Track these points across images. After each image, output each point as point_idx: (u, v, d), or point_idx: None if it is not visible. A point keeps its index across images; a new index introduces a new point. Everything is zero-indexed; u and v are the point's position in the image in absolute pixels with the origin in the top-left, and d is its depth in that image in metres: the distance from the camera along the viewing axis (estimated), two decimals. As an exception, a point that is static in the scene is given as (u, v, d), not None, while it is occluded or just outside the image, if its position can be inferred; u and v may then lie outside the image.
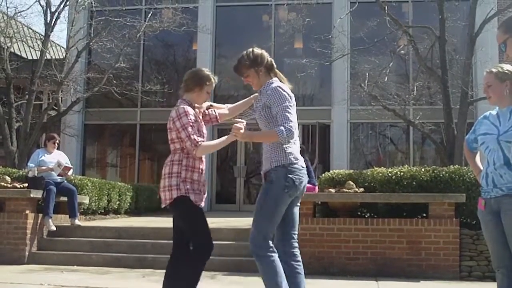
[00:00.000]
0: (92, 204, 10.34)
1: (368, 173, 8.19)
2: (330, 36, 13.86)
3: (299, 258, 3.92)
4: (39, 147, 12.74)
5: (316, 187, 8.81)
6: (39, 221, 8.48)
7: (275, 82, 3.96)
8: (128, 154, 17.94)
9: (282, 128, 3.72)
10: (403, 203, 7.52)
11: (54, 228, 8.54)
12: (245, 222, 9.20)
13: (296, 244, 3.95)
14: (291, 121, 3.76)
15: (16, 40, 15.42)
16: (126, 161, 18.07)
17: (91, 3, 15.28)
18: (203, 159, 4.22)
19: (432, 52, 13.01)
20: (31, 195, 8.31)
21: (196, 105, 4.23)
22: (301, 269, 3.91)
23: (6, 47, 14.22)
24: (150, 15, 15.94)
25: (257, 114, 3.97)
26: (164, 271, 4.23)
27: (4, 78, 14.14)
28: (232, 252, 7.66)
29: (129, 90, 15.67)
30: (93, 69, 16.42)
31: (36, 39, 17.21)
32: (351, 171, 9.07)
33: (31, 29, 18.26)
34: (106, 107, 16.91)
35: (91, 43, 15.33)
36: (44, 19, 14.59)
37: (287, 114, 3.77)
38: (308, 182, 4.28)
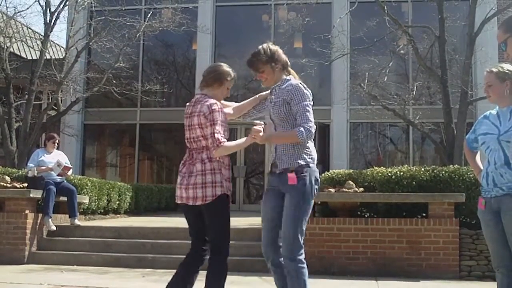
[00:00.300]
0: (92, 204, 10.33)
1: (368, 173, 8.19)
2: (329, 36, 13.86)
3: None
4: (39, 147, 12.74)
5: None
6: (38, 221, 8.47)
7: (293, 79, 3.90)
8: (127, 154, 17.95)
9: (301, 129, 3.67)
10: (403, 203, 7.52)
11: (54, 228, 8.54)
12: (245, 221, 9.21)
13: None
14: (310, 121, 3.71)
15: (15, 40, 15.41)
16: (126, 161, 18.08)
17: (91, 3, 15.28)
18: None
19: (431, 52, 13.02)
20: (31, 195, 8.30)
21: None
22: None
23: (5, 47, 14.22)
24: (149, 15, 15.95)
25: (274, 110, 3.84)
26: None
27: (3, 78, 14.14)
28: (232, 252, 7.53)
29: (128, 90, 15.68)
30: (93, 69, 16.44)
31: (36, 39, 17.21)
32: (351, 170, 9.07)
33: (30, 29, 18.25)
34: (105, 107, 16.93)
35: (90, 43, 15.34)
36: (44, 19, 14.60)
37: (307, 113, 3.71)
38: None
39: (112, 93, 15.46)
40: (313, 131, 3.72)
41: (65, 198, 8.96)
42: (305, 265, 3.72)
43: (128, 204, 12.12)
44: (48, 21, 14.53)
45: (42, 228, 8.58)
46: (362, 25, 13.98)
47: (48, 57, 15.74)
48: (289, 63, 3.97)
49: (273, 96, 3.90)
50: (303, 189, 3.73)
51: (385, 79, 13.46)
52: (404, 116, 13.05)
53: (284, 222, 3.73)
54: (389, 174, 7.77)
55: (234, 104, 4.22)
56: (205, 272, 3.92)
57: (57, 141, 9.40)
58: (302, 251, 3.72)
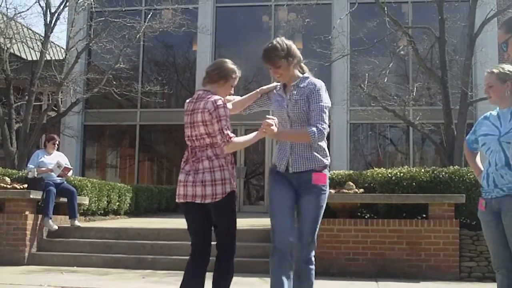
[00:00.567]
0: (92, 205, 10.33)
1: (368, 174, 8.19)
2: (329, 37, 13.86)
3: None
4: (39, 148, 12.74)
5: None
6: (38, 222, 8.47)
7: (312, 77, 3.83)
8: (127, 155, 17.94)
9: (314, 129, 3.60)
10: (403, 204, 7.51)
11: (56, 227, 8.55)
12: (245, 222, 9.20)
13: None
14: (325, 122, 3.65)
15: (16, 41, 15.41)
16: (126, 162, 18.08)
17: (91, 4, 15.28)
18: None
19: (431, 52, 13.03)
20: (31, 196, 8.31)
21: None
22: None
23: (6, 48, 14.22)
24: (150, 16, 15.94)
25: (296, 107, 3.72)
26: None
27: (4, 79, 14.14)
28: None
29: (128, 91, 15.68)
30: (93, 70, 16.44)
31: (36, 40, 17.22)
32: (351, 171, 9.07)
33: (31, 30, 18.28)
34: (105, 108, 16.94)
35: (90, 44, 15.33)
36: (44, 20, 14.60)
37: (323, 114, 3.65)
38: None
39: (112, 94, 15.46)
40: (326, 133, 3.66)
41: (65, 199, 8.96)
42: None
43: (128, 205, 12.12)
44: (48, 22, 14.54)
45: (42, 229, 8.58)
46: (362, 26, 13.98)
47: (48, 58, 15.76)
48: (301, 58, 3.88)
49: (294, 92, 3.77)
50: (325, 189, 3.72)
51: (385, 80, 13.46)
52: (404, 117, 13.05)
53: (305, 222, 3.68)
54: (389, 175, 7.76)
55: (235, 99, 4.11)
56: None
57: (57, 142, 9.40)
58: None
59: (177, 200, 3.85)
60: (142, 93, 16.17)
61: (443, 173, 7.63)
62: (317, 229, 3.73)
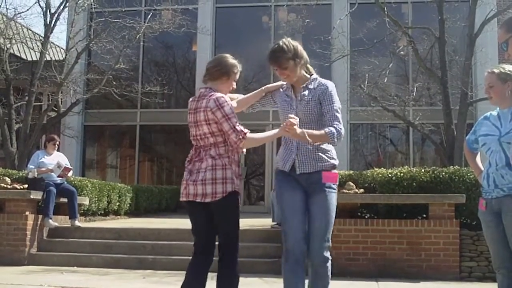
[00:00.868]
0: (92, 205, 10.33)
1: (368, 174, 8.19)
2: (329, 37, 13.87)
3: None
4: (39, 148, 12.74)
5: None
6: (39, 222, 8.47)
7: (320, 78, 3.81)
8: (128, 155, 17.95)
9: (332, 129, 3.59)
10: (403, 204, 7.51)
11: (56, 224, 8.57)
12: (245, 222, 9.18)
13: None
14: (340, 123, 3.66)
15: (15, 41, 15.42)
16: (126, 162, 18.09)
17: (91, 4, 15.29)
18: None
19: (431, 53, 13.03)
20: (31, 196, 8.31)
21: None
22: None
23: (6, 49, 14.23)
24: (149, 16, 15.94)
25: (307, 108, 3.69)
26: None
27: (4, 80, 14.14)
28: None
29: (128, 91, 15.69)
30: (93, 70, 16.44)
31: (36, 40, 17.23)
32: (351, 172, 9.07)
33: (30, 30, 18.29)
34: (105, 108, 16.95)
35: (90, 44, 15.33)
36: (44, 21, 14.60)
37: (337, 115, 3.67)
38: None
39: (112, 95, 15.46)
40: (343, 133, 3.65)
41: (65, 200, 8.96)
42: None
43: (128, 205, 12.12)
44: (48, 23, 14.54)
45: (43, 229, 8.58)
46: (362, 26, 13.99)
47: (48, 58, 15.76)
48: (308, 59, 3.83)
49: (305, 93, 3.73)
50: (335, 188, 3.71)
51: (385, 80, 13.48)
52: (404, 117, 13.06)
53: (321, 222, 3.63)
54: (389, 175, 7.76)
55: (239, 97, 4.05)
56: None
57: (57, 142, 9.41)
58: None
59: (180, 199, 3.82)
60: (142, 93, 16.19)
61: (443, 173, 7.63)
62: (331, 228, 3.67)
